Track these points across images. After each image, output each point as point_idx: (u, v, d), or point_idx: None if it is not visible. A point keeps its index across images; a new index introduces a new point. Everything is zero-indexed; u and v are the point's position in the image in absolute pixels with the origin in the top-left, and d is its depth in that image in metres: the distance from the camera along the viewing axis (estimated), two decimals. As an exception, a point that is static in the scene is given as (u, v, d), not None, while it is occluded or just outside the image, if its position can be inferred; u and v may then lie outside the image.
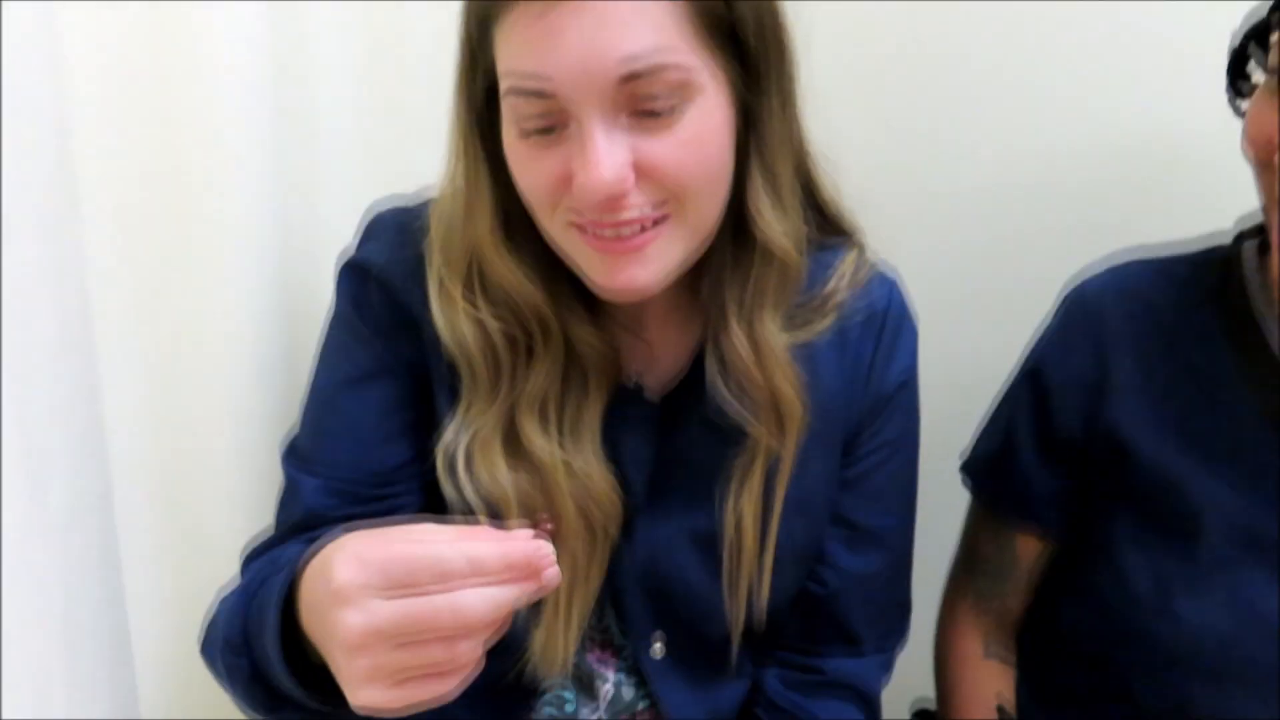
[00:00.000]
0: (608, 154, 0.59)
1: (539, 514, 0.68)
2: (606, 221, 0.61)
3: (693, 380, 0.72)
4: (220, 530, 0.83)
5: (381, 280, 0.72)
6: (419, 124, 0.99)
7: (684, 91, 0.60)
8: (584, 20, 0.57)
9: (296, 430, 0.77)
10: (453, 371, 0.70)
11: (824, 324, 0.72)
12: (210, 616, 0.70)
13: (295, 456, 0.75)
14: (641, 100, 0.59)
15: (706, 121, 0.61)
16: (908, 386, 0.78)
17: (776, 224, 0.66)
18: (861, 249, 0.77)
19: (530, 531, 0.50)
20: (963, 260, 1.10)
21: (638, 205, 0.61)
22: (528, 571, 0.49)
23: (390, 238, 0.74)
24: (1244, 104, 0.75)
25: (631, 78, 0.58)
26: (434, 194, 0.75)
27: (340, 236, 0.91)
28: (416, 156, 0.98)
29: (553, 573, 0.50)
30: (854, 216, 0.76)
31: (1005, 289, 1.09)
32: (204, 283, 0.80)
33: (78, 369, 0.65)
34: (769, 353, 0.69)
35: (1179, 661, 0.76)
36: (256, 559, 0.74)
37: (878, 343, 0.76)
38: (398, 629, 0.48)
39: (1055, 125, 1.04)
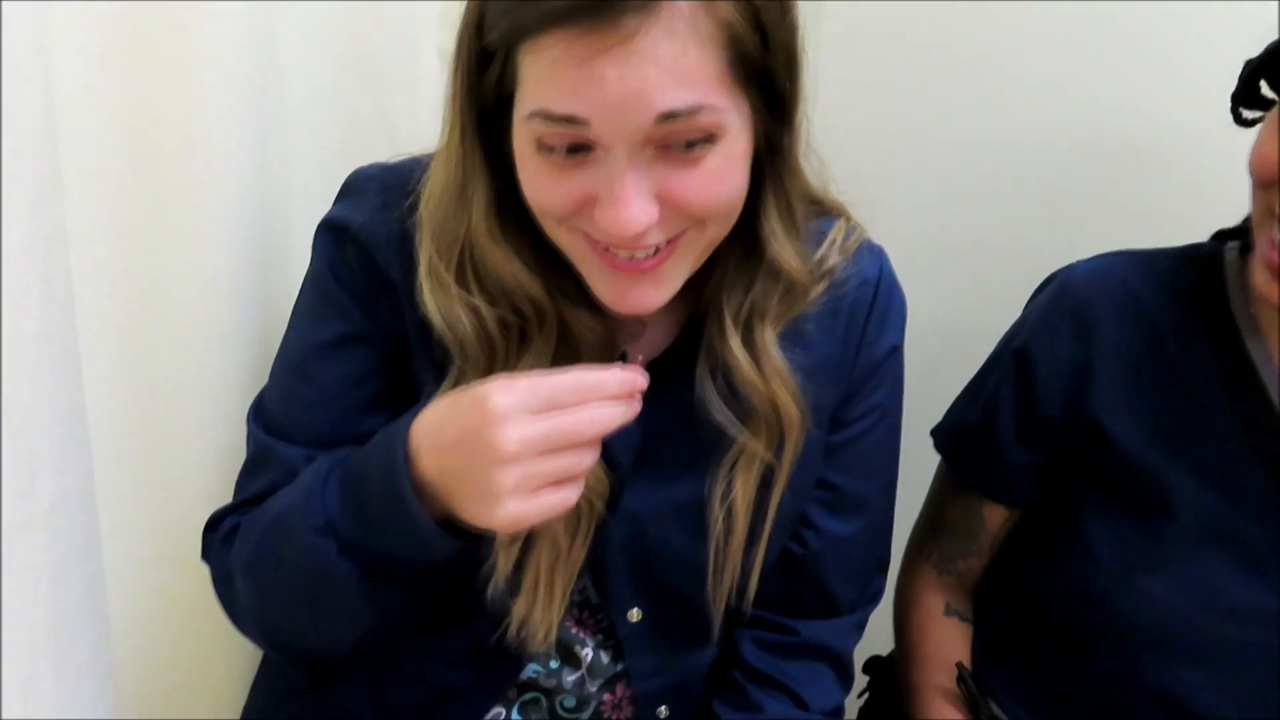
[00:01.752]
0: (636, 194, 0.59)
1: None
2: (623, 247, 0.61)
3: (680, 349, 0.73)
4: (195, 500, 0.81)
5: (360, 242, 0.70)
6: (394, 87, 0.96)
7: (714, 131, 0.60)
8: (627, 68, 0.56)
9: (266, 388, 0.75)
10: (436, 345, 0.69)
11: (816, 290, 0.73)
12: (216, 545, 0.72)
13: (266, 419, 0.73)
14: (672, 138, 0.59)
15: (731, 154, 0.61)
16: (896, 352, 0.80)
17: (789, 244, 0.67)
18: (849, 219, 0.77)
19: (628, 366, 0.61)
20: (935, 232, 1.11)
21: (657, 235, 0.62)
22: (633, 391, 0.59)
23: (371, 197, 0.71)
24: (1249, 114, 0.75)
25: (667, 119, 0.58)
26: (416, 151, 0.72)
27: (312, 203, 0.88)
28: (395, 122, 0.96)
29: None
30: (838, 197, 0.77)
31: (976, 261, 1.11)
32: (178, 255, 0.77)
33: (61, 356, 0.62)
34: (768, 362, 0.70)
35: (1138, 633, 0.81)
36: (223, 521, 0.73)
37: (870, 311, 0.77)
38: (547, 439, 0.57)
39: (1038, 105, 1.06)
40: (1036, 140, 1.07)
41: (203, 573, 0.81)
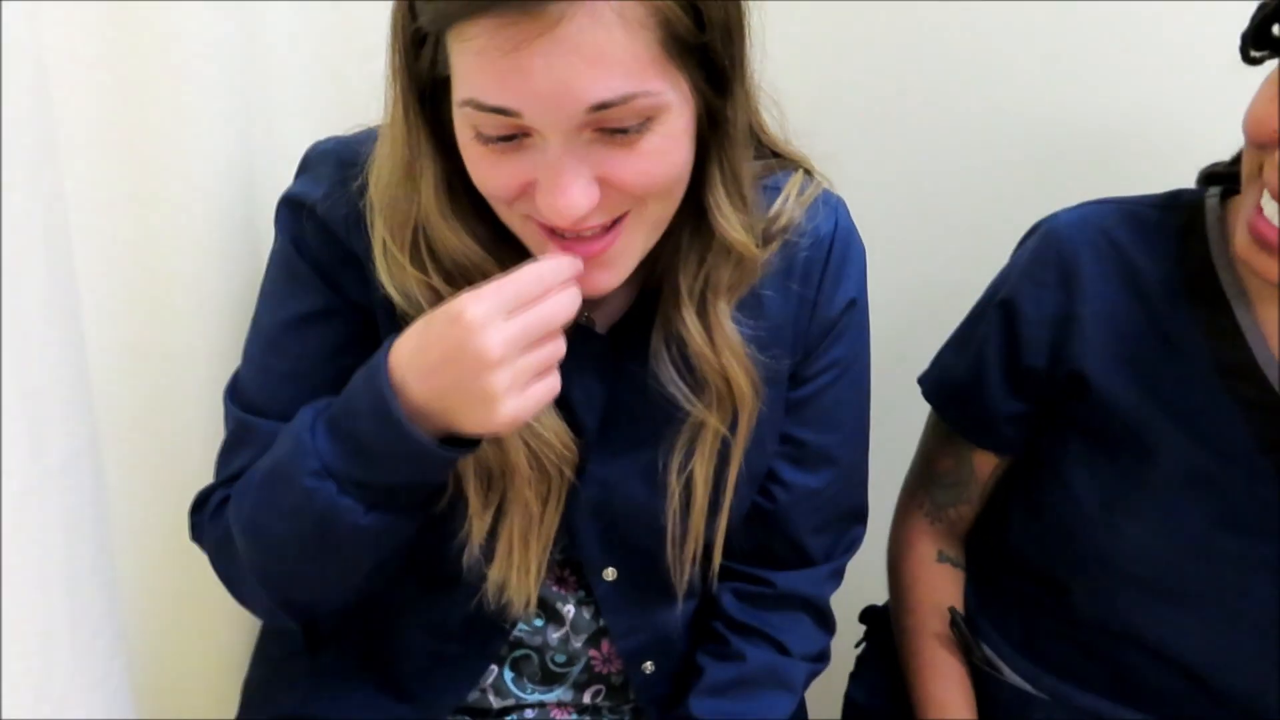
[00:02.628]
0: (574, 180, 0.59)
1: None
2: (566, 229, 0.62)
3: (639, 315, 0.73)
4: (194, 467, 0.82)
5: (319, 218, 0.70)
6: (380, 51, 0.95)
7: (651, 114, 0.59)
8: (553, 58, 0.55)
9: (240, 367, 0.75)
10: (401, 319, 0.68)
11: (770, 249, 0.72)
12: (206, 520, 0.73)
13: (243, 397, 0.74)
14: (608, 122, 0.58)
15: (671, 133, 0.61)
16: (856, 305, 0.79)
17: (735, 217, 0.67)
18: (808, 172, 0.77)
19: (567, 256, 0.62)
20: (923, 180, 1.12)
21: (599, 216, 0.62)
22: (578, 272, 0.62)
23: (329, 172, 0.71)
24: (1257, 53, 0.74)
25: (601, 107, 0.57)
26: (373, 122, 0.70)
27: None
28: (382, 87, 0.96)
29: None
30: (801, 151, 0.76)
31: (963, 209, 1.12)
32: (168, 223, 0.78)
33: (65, 317, 0.63)
34: (722, 337, 0.70)
35: (1117, 575, 0.82)
36: (210, 497, 0.74)
37: (825, 267, 0.77)
38: (526, 334, 0.59)
39: (1020, 61, 1.05)
40: (1020, 92, 1.07)
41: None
